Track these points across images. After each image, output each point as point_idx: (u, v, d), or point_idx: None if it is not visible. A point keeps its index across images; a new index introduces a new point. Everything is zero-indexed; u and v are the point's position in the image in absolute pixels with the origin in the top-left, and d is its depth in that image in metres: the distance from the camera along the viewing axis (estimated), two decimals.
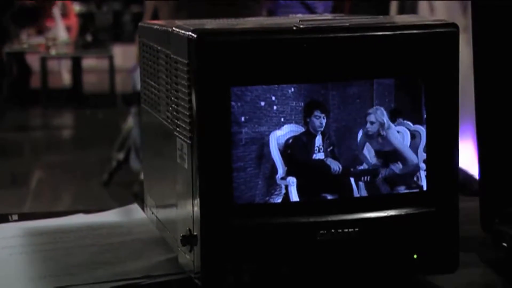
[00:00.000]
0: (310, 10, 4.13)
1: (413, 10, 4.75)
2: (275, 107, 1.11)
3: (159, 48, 1.27)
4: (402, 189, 1.16)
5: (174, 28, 1.18)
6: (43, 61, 7.08)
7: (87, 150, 5.98)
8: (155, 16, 3.82)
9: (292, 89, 1.11)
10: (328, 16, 1.35)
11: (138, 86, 4.45)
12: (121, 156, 4.89)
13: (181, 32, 1.14)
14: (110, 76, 7.38)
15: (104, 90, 7.80)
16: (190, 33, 1.11)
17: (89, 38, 7.46)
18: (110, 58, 7.23)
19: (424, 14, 4.60)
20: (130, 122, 4.80)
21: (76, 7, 9.00)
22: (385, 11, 4.89)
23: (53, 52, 7.15)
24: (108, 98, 7.49)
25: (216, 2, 3.76)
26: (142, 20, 3.95)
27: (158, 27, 1.31)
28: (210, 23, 1.23)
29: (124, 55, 8.29)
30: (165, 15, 3.72)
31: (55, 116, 7.24)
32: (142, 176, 4.47)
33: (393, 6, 4.93)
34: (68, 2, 8.63)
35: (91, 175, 5.21)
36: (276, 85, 1.10)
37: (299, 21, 1.14)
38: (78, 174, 5.36)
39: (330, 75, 1.12)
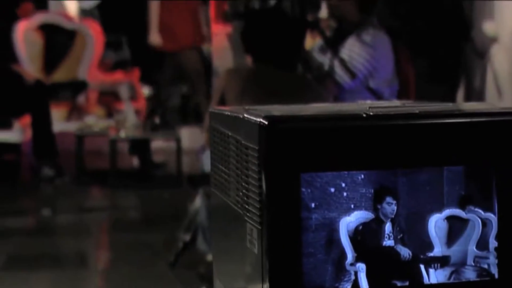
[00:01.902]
0: (376, 95, 4.14)
1: (481, 94, 4.73)
2: (345, 194, 1.11)
3: (229, 133, 1.29)
4: (473, 277, 1.14)
5: (245, 115, 1.19)
6: (113, 143, 7.19)
7: (153, 230, 6.01)
8: (222, 100, 3.88)
9: (362, 176, 1.11)
10: (397, 102, 1.35)
11: (206, 168, 4.46)
12: (187, 237, 4.90)
13: (252, 119, 1.15)
14: (177, 158, 7.45)
15: (171, 171, 7.86)
16: (260, 119, 1.12)
17: (157, 120, 7.56)
18: (177, 141, 7.31)
19: (491, 99, 4.57)
20: (198, 202, 4.81)
21: (145, 91, 9.17)
22: (452, 95, 4.88)
23: (122, 134, 7.26)
24: (174, 179, 7.55)
25: (282, 87, 3.80)
26: (210, 104, 4.02)
27: (229, 113, 1.33)
28: (279, 109, 1.24)
29: (191, 136, 8.37)
30: (231, 99, 3.77)
31: (123, 196, 7.31)
32: (208, 258, 4.46)
33: (460, 90, 4.92)
34: (137, 85, 8.80)
35: (158, 256, 5.22)
36: (346, 172, 1.11)
37: (369, 108, 1.15)
38: (144, 255, 5.38)
39: (399, 162, 1.12)
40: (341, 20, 4.32)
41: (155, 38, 7.54)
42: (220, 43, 8.73)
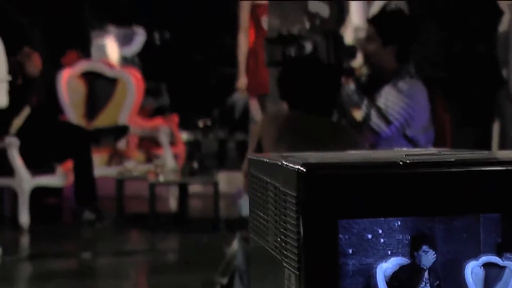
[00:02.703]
0: (412, 142, 4.13)
1: None
2: (382, 240, 1.11)
3: (268, 180, 1.29)
4: None
5: (283, 162, 1.20)
6: (152, 187, 7.22)
7: (191, 273, 6.01)
8: (259, 146, 3.88)
9: (399, 222, 1.11)
10: (433, 150, 1.35)
11: (243, 212, 4.45)
12: (224, 280, 4.89)
13: (290, 166, 1.16)
14: (215, 202, 7.45)
15: (209, 215, 7.88)
16: (299, 167, 1.13)
17: (195, 165, 7.58)
18: (215, 185, 7.32)
19: None
20: (235, 246, 4.81)
21: (184, 136, 9.22)
22: (486, 141, 4.85)
23: (161, 178, 7.29)
24: (212, 223, 7.56)
25: (318, 133, 3.80)
26: (247, 150, 4.02)
27: (267, 160, 1.33)
28: (317, 157, 1.24)
29: (228, 181, 8.39)
30: (267, 145, 3.78)
31: (162, 240, 7.33)
32: None
33: (495, 138, 4.90)
34: (176, 131, 8.85)
35: None
36: (382, 218, 1.11)
37: (405, 155, 1.15)
38: None
39: (436, 209, 1.11)
40: (377, 69, 4.33)
41: (242, 82, 7.52)
42: None
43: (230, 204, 7.88)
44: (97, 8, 10.95)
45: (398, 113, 4.14)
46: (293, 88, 3.98)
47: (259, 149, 3.84)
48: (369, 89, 4.37)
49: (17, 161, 6.89)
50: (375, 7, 4.89)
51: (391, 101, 4.18)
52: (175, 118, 9.05)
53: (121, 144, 8.49)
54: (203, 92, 11.23)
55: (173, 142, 8.72)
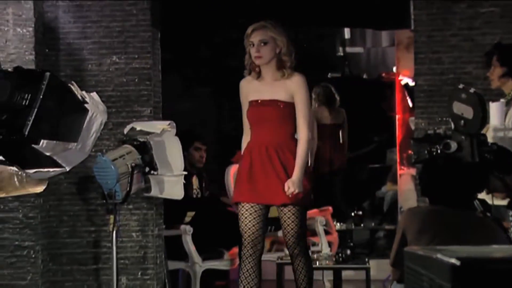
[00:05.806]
0: None
1: None
2: None
3: (423, 271, 1.28)
4: None
5: (438, 255, 1.19)
6: None
7: None
8: (403, 238, 3.80)
9: None
10: None
11: None
12: None
13: (445, 259, 1.15)
14: (366, 287, 7.33)
15: None
16: (453, 261, 1.11)
17: (348, 252, 7.52)
18: (366, 270, 7.22)
19: None
20: None
21: (337, 225, 9.20)
22: None
23: (317, 264, 7.27)
24: None
25: (459, 227, 3.68)
26: (394, 242, 3.94)
27: (422, 252, 1.32)
28: (467, 251, 1.23)
29: (378, 267, 8.25)
30: (410, 238, 3.69)
31: None
32: None
33: None
34: (330, 221, 8.83)
35: None
36: None
37: None
38: None
39: None
40: None
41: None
42: (405, 184, 8.69)
43: None
44: None
45: None
46: (436, 184, 3.90)
47: (403, 240, 3.76)
48: None
49: (191, 247, 7.07)
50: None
51: None
52: (329, 210, 9.05)
53: (280, 232, 8.54)
54: (355, 186, 11.23)
55: (328, 231, 8.70)
